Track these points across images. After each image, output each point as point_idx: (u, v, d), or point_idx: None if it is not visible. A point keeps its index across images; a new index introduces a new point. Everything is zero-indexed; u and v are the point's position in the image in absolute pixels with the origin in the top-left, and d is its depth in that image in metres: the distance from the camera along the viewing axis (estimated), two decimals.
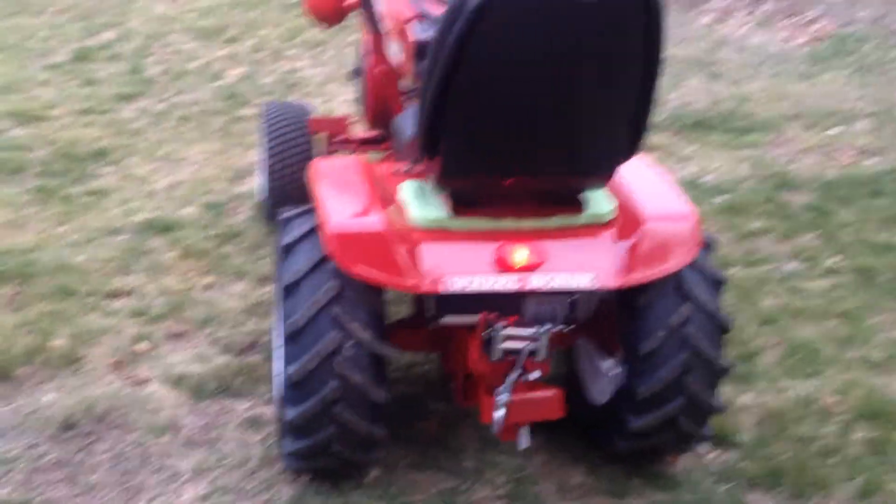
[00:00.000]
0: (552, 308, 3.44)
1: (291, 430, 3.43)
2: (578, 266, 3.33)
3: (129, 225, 5.38)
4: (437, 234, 3.34)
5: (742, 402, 4.28)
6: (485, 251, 3.31)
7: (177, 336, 4.46)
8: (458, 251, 3.32)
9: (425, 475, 3.76)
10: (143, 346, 4.36)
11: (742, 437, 4.06)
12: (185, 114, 6.91)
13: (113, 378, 4.16)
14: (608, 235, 3.42)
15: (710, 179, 6.41)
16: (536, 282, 3.29)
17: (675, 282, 3.45)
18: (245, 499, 3.57)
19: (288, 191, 4.96)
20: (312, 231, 3.43)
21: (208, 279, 4.90)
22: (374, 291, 3.33)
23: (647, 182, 3.64)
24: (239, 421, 3.95)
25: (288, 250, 3.45)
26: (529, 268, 3.29)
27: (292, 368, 3.31)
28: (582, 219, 3.44)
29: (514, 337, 3.28)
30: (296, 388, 3.34)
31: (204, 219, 5.50)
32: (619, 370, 3.59)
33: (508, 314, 3.34)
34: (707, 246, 3.59)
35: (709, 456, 3.98)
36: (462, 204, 3.37)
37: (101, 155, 6.17)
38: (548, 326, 3.27)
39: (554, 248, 3.34)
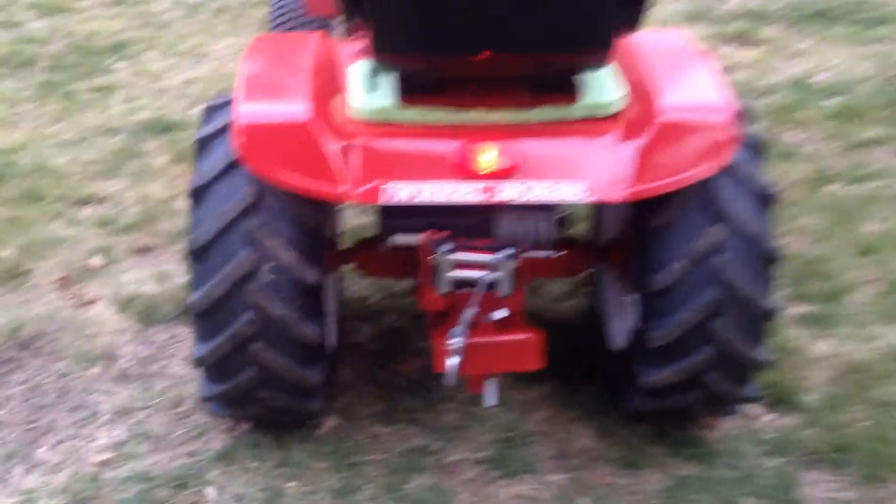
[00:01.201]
0: (532, 228, 2.64)
1: (206, 371, 2.77)
2: (566, 172, 2.50)
3: (127, 125, 4.79)
4: (381, 128, 2.56)
5: (816, 351, 3.38)
6: (441, 151, 2.52)
7: (141, 251, 3.84)
8: (405, 150, 2.55)
9: (392, 430, 3.05)
10: (97, 260, 3.77)
11: (808, 399, 3.18)
12: (223, 5, 6.24)
13: (55, 297, 3.59)
14: (611, 132, 2.57)
15: (824, 79, 5.37)
16: (508, 193, 2.48)
17: (703, 195, 2.59)
18: (164, 449, 2.95)
19: None
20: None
21: None
22: (307, 201, 2.59)
23: (674, 65, 2.74)
24: (186, 354, 3.32)
25: (202, 146, 2.75)
26: (499, 174, 2.49)
27: (196, 295, 2.63)
28: (575, 110, 2.59)
29: (466, 264, 2.50)
30: (203, 321, 2.67)
31: None
32: (637, 305, 2.78)
33: (473, 234, 2.56)
34: (754, 148, 2.69)
35: (762, 420, 3.13)
36: (414, 90, 2.58)
37: (118, 49, 5.59)
38: (508, 252, 2.48)
39: (534, 148, 2.52)
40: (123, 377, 3.23)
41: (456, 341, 2.50)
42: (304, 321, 2.64)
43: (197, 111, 4.91)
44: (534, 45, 2.45)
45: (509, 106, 2.58)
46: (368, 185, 2.48)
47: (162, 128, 4.74)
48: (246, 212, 2.58)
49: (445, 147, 2.51)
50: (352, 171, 2.48)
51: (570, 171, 2.51)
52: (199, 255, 2.62)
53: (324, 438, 2.99)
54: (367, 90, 2.62)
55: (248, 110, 2.56)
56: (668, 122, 2.53)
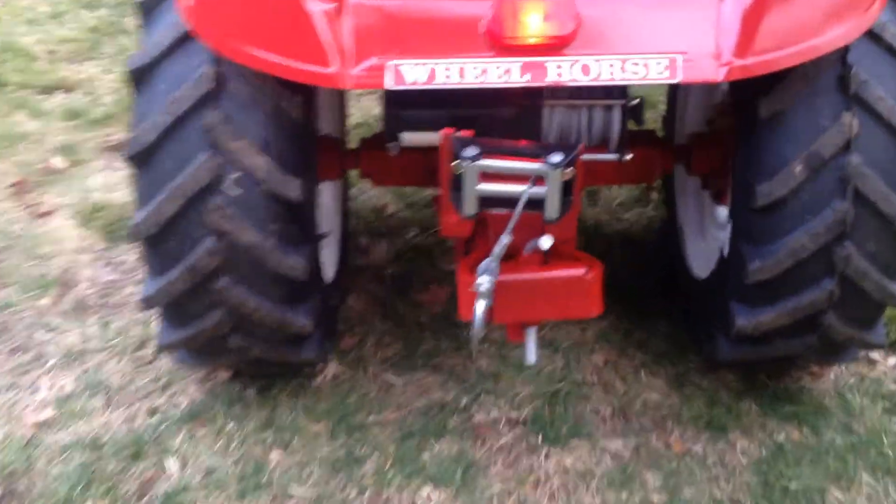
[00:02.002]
0: (592, 122, 1.94)
1: (163, 313, 2.13)
2: (645, 41, 1.79)
3: None
4: None
5: None
6: (467, 13, 1.80)
7: (111, 149, 3.18)
8: (418, 12, 1.83)
9: (408, 380, 2.41)
10: (59, 161, 3.12)
11: None
12: None
13: (7, 206, 2.96)
14: None
15: None
16: (561, 72, 1.76)
17: (834, 71, 1.86)
18: (119, 405, 2.34)
19: None
20: None
21: None
22: (286, 85, 1.90)
23: None
24: None
25: (147, 10, 2.06)
26: (549, 45, 1.76)
27: (141, 215, 1.97)
28: None
29: (500, 173, 1.80)
30: (153, 249, 2.01)
31: None
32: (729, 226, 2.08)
33: (509, 133, 1.86)
34: None
35: (883, 366, 2.45)
36: None
37: None
38: (557, 157, 1.77)
39: (598, 5, 1.79)
40: (79, 310, 2.61)
41: (485, 280, 1.81)
42: (285, 250, 1.98)
43: None
44: None
45: None
46: (367, 64, 1.78)
47: None
48: (203, 101, 1.90)
49: (472, 6, 1.79)
50: (345, 42, 1.78)
51: (651, 40, 1.79)
52: (144, 161, 1.96)
53: (320, 392, 2.36)
54: None
55: None
56: None
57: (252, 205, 1.94)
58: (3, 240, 2.82)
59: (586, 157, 1.94)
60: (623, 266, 2.65)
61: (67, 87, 3.48)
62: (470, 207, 1.82)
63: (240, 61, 1.85)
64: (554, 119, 1.94)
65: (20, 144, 3.19)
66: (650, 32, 1.81)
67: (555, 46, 1.78)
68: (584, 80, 1.78)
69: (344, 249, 2.60)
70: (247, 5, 1.84)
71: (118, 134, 3.23)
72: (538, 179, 1.77)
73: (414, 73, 1.78)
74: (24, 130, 3.26)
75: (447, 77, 1.78)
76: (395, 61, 1.78)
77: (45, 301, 2.63)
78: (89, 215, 2.90)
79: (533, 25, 1.77)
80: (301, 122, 1.95)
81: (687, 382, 2.39)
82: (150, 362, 2.44)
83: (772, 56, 1.78)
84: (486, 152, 1.78)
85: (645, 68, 1.78)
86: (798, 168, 1.90)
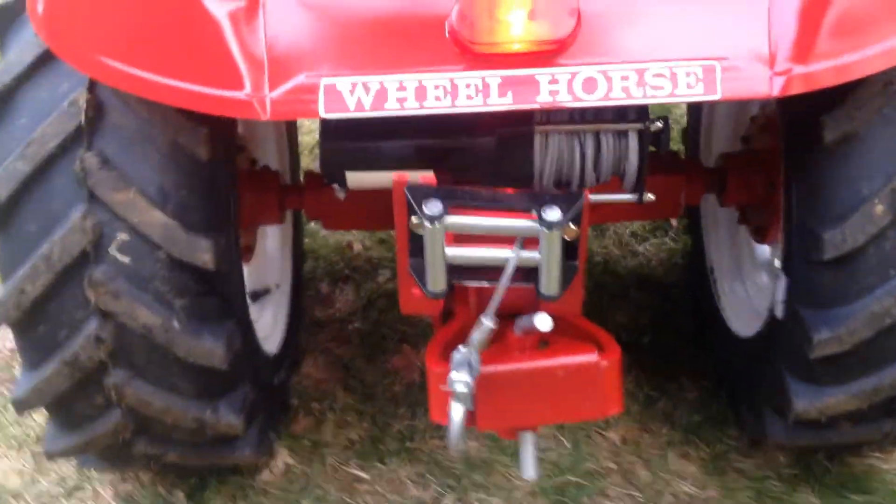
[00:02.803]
0: (601, 154, 1.45)
1: (47, 412, 1.65)
2: (672, 43, 1.31)
3: None
4: None
5: None
6: (421, 12, 1.32)
7: None
8: (356, 8, 1.34)
9: (379, 472, 1.92)
10: None
11: None
12: None
13: None
14: None
15: None
16: (557, 89, 1.29)
17: None
18: None
19: None
20: None
21: None
22: (185, 114, 1.41)
23: None
24: None
25: (3, 21, 1.57)
26: (536, 53, 1.28)
27: (2, 292, 1.48)
28: None
29: (476, 232, 1.31)
30: (22, 334, 1.53)
31: None
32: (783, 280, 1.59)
33: (481, 170, 1.40)
34: None
35: None
36: None
37: None
38: (558, 214, 1.27)
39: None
40: None
41: (461, 377, 1.32)
42: (197, 331, 1.49)
43: None
44: None
45: None
46: (292, 84, 1.29)
47: None
48: (73, 139, 1.41)
49: (434, 3, 1.30)
50: (261, 54, 1.29)
51: (678, 41, 1.30)
52: (1, 219, 1.47)
53: (267, 492, 1.88)
54: None
55: None
56: None
57: (147, 275, 1.45)
58: None
59: (593, 198, 1.46)
60: (640, 314, 2.18)
61: None
62: (436, 282, 1.33)
63: (118, 86, 1.36)
64: (549, 150, 1.44)
65: None
66: (676, 31, 1.32)
67: (546, 54, 1.29)
68: (588, 101, 1.29)
69: (296, 304, 2.11)
70: (124, 8, 1.35)
71: None
72: (528, 241, 1.28)
73: (357, 95, 1.30)
74: None
75: (400, 101, 1.29)
76: (330, 80, 1.30)
77: None
78: None
79: (516, 26, 1.29)
80: (209, 160, 1.46)
81: (727, 467, 1.91)
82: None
83: (845, 60, 1.30)
84: (455, 206, 1.29)
85: (671, 82, 1.29)
86: (879, 209, 1.41)
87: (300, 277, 2.19)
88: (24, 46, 1.47)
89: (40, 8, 1.35)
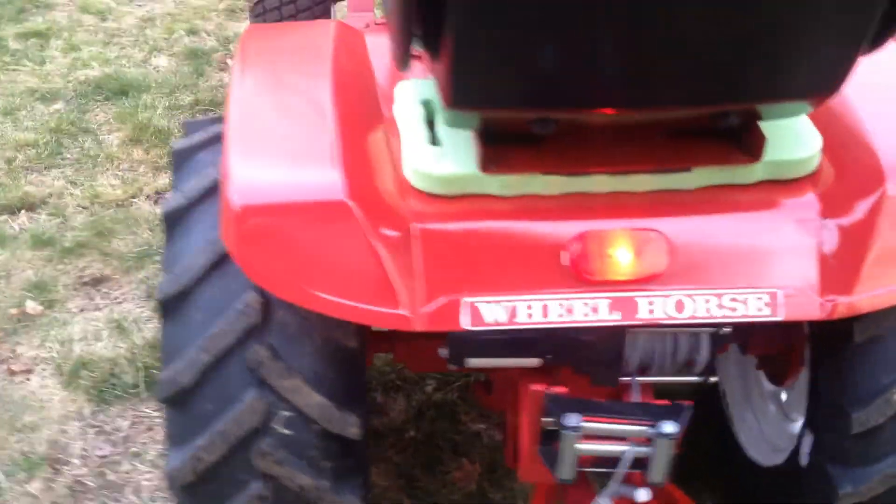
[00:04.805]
0: (671, 349, 1.79)
1: None
2: (740, 274, 1.63)
3: (70, 86, 3.78)
4: (454, 205, 1.65)
5: None
6: (548, 243, 1.63)
7: (90, 285, 2.91)
8: (495, 243, 1.65)
9: None
10: (32, 305, 2.84)
11: None
12: None
13: None
14: (804, 207, 1.67)
15: None
16: (653, 308, 1.61)
17: None
18: None
19: None
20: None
21: (161, 181, 3.30)
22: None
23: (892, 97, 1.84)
24: (157, 452, 2.45)
25: (171, 223, 1.84)
26: (640, 280, 1.61)
27: (177, 460, 1.75)
28: (753, 172, 1.69)
29: (602, 436, 1.63)
30: (190, 493, 1.79)
31: (177, 75, 3.85)
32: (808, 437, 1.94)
33: (582, 358, 1.71)
34: None
35: None
36: (502, 146, 1.65)
37: None
38: (674, 428, 1.61)
39: (692, 233, 1.65)
40: (76, 494, 2.35)
41: None
42: (339, 488, 1.78)
43: (158, 63, 3.96)
44: (714, 95, 1.54)
45: (649, 168, 1.67)
46: (439, 302, 1.59)
47: (115, 89, 3.75)
48: (247, 335, 1.68)
49: (553, 236, 1.62)
50: (413, 277, 1.59)
51: (747, 272, 1.63)
52: (179, 402, 1.73)
53: None
54: (426, 141, 1.70)
55: (246, 179, 1.63)
56: None
57: (304, 445, 1.73)
58: None
59: (667, 379, 1.80)
60: None
61: (31, 205, 3.19)
62: (569, 471, 1.65)
63: (294, 301, 1.64)
64: (636, 346, 1.77)
65: None
66: (746, 264, 1.66)
67: (646, 281, 1.62)
68: (678, 318, 1.62)
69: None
70: (300, 236, 1.63)
71: (95, 265, 2.96)
72: (643, 439, 1.62)
73: (493, 312, 1.61)
74: None
75: (529, 316, 1.61)
76: (471, 298, 1.60)
77: (35, 486, 2.37)
78: (73, 373, 2.64)
79: (623, 262, 1.61)
80: (356, 349, 1.75)
81: None
82: None
83: (880, 292, 1.65)
84: (587, 415, 1.61)
85: (744, 305, 1.63)
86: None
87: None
88: (200, 250, 1.74)
89: (236, 235, 1.62)
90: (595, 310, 1.61)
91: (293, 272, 1.61)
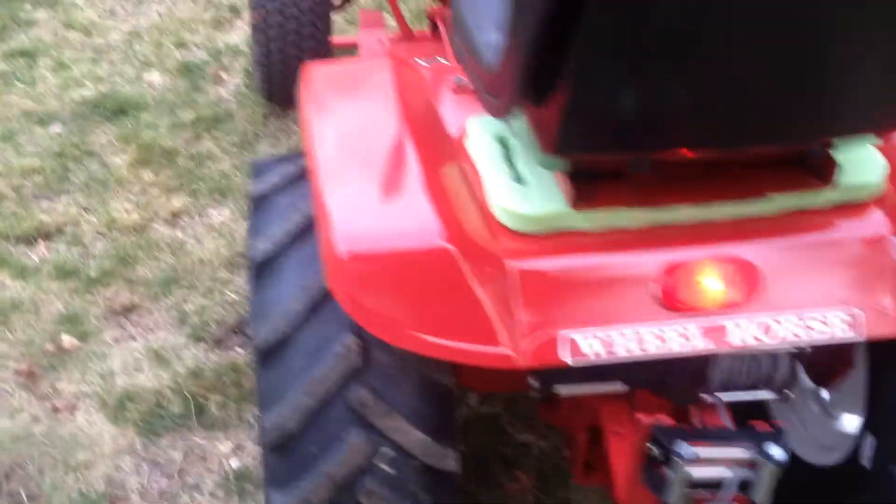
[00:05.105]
0: (753, 369, 1.86)
1: None
2: (827, 293, 1.71)
3: (67, 107, 3.73)
4: (545, 242, 1.70)
5: None
6: (638, 274, 1.69)
7: (121, 314, 2.91)
8: (588, 277, 1.71)
9: None
10: (68, 339, 2.83)
11: None
12: None
13: (23, 401, 2.67)
14: (876, 228, 1.76)
15: None
16: (743, 334, 1.68)
17: None
18: None
19: (293, 64, 3.28)
20: (309, 224, 1.84)
21: (176, 202, 3.29)
22: None
23: None
24: (216, 479, 2.47)
25: (260, 272, 1.86)
26: (729, 305, 1.68)
27: (283, 502, 1.78)
28: (827, 195, 1.77)
29: (711, 461, 1.71)
30: None
31: (173, 92, 3.83)
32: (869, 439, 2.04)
33: (667, 378, 1.78)
34: None
35: None
36: (590, 182, 1.71)
37: None
38: (781, 453, 1.69)
39: (775, 257, 1.71)
40: None
41: None
42: None
43: (152, 80, 3.92)
44: (795, 131, 1.62)
45: (729, 197, 1.74)
46: (539, 340, 1.64)
47: (111, 108, 3.72)
48: (348, 378, 1.72)
49: (643, 268, 1.68)
50: (514, 317, 1.64)
51: (832, 291, 1.71)
52: (283, 445, 1.77)
53: None
54: (510, 179, 1.74)
55: (348, 226, 1.67)
56: None
57: (405, 481, 1.79)
58: (28, 446, 2.53)
59: (739, 397, 1.88)
60: None
61: (47, 234, 3.16)
62: (679, 498, 1.71)
63: (401, 345, 1.68)
64: (719, 366, 1.85)
65: (13, 315, 2.88)
66: (826, 284, 1.73)
67: (733, 308, 1.69)
68: (766, 342, 1.70)
69: None
70: (403, 282, 1.67)
71: (121, 296, 2.95)
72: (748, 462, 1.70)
73: (591, 345, 1.66)
74: (12, 297, 2.93)
75: (626, 348, 1.67)
76: (569, 333, 1.66)
77: None
78: (119, 406, 2.64)
79: (712, 290, 1.68)
80: (451, 386, 1.81)
81: None
82: None
83: None
84: (693, 441, 1.68)
85: (827, 325, 1.71)
86: None
87: None
88: (295, 295, 1.77)
89: (341, 280, 1.65)
90: (687, 338, 1.67)
91: (399, 317, 1.65)
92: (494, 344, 1.65)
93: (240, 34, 4.14)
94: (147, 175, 3.40)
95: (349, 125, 1.93)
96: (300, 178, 1.95)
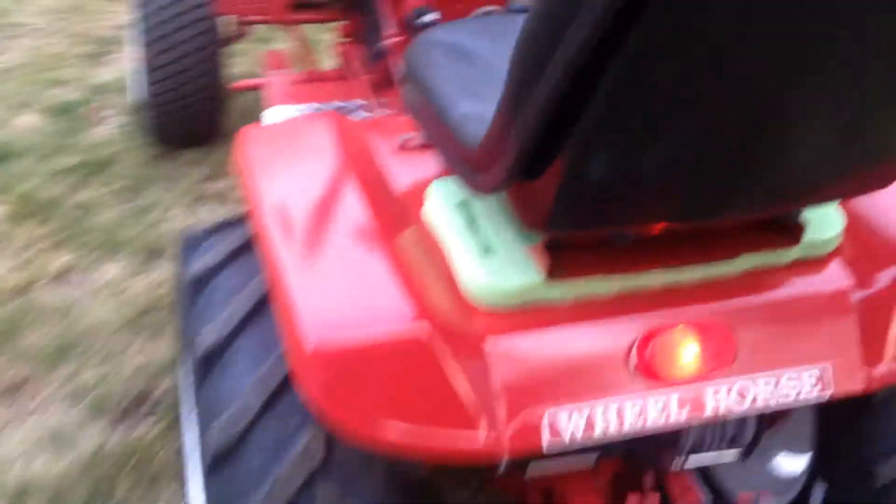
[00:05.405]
0: (719, 430, 1.79)
1: None
2: (795, 353, 1.63)
3: None
4: (517, 317, 1.56)
5: None
6: (614, 345, 1.57)
7: (10, 391, 2.63)
8: (563, 351, 1.56)
9: None
10: None
11: None
12: None
13: None
14: (837, 282, 1.70)
15: None
16: (718, 399, 1.59)
17: None
18: None
19: (181, 103, 3.08)
20: (261, 304, 1.66)
21: (61, 259, 3.02)
22: None
23: None
24: None
25: (206, 362, 1.66)
26: (706, 374, 1.58)
27: None
28: (790, 253, 1.71)
29: None
30: None
31: (49, 136, 3.54)
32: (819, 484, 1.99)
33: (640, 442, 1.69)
34: None
35: None
36: (566, 252, 1.59)
37: None
38: None
39: (747, 318, 1.62)
40: None
41: None
42: None
43: (25, 122, 3.62)
44: (779, 203, 1.54)
45: (700, 260, 1.65)
46: (518, 425, 1.50)
47: None
48: (313, 477, 1.55)
49: (617, 336, 1.57)
50: (493, 402, 1.49)
51: (799, 348, 1.63)
52: None
53: None
54: (478, 251, 1.60)
55: (315, 316, 1.48)
56: None
57: None
58: None
59: (709, 456, 1.79)
60: None
61: None
62: None
63: (382, 448, 1.49)
64: (691, 431, 1.75)
65: None
66: (793, 340, 1.66)
67: (710, 377, 1.59)
68: (742, 406, 1.60)
69: None
70: (378, 377, 1.48)
71: (8, 370, 2.67)
72: None
73: (572, 425, 1.53)
74: None
75: (607, 429, 1.54)
76: (552, 413, 1.52)
77: None
78: (14, 501, 2.36)
79: (689, 363, 1.58)
80: (423, 477, 1.65)
81: None
82: None
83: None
84: None
85: (797, 384, 1.63)
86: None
87: None
88: (252, 389, 1.57)
89: (313, 377, 1.45)
90: (667, 411, 1.57)
91: (376, 416, 1.47)
92: (475, 442, 1.50)
93: (114, 69, 3.87)
94: (28, 229, 3.11)
95: (298, 191, 1.74)
96: (242, 250, 1.77)
